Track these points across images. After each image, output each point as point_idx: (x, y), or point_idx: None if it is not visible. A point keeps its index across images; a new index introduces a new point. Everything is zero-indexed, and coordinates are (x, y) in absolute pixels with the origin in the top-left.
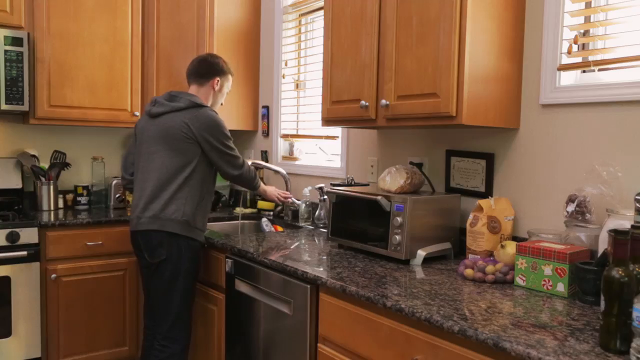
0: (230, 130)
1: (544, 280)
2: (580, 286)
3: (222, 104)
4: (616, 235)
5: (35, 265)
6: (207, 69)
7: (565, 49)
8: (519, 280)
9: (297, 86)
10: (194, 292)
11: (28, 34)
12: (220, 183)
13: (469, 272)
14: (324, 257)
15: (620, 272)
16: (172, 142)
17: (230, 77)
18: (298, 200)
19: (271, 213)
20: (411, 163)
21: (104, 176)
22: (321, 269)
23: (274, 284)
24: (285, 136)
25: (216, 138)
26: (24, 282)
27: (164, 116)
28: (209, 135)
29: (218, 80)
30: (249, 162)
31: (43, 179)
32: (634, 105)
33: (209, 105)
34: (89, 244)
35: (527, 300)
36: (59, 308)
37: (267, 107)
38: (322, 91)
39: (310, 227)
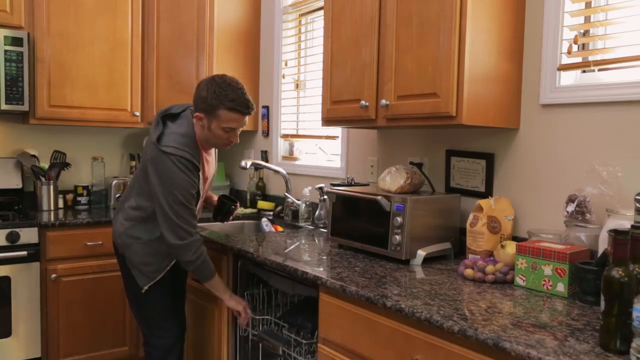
0: None
1: (544, 280)
2: (580, 286)
3: (225, 145)
4: (616, 235)
5: (35, 265)
6: (194, 97)
7: (565, 49)
8: (519, 280)
9: (297, 86)
10: (163, 298)
11: (28, 34)
12: (220, 183)
13: (469, 272)
14: (324, 257)
15: (620, 272)
16: (142, 179)
17: (224, 114)
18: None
19: (271, 213)
20: (411, 163)
21: (104, 176)
22: (321, 269)
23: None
24: (285, 136)
25: (164, 196)
26: (24, 282)
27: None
28: (159, 192)
29: (201, 117)
30: (248, 163)
31: (43, 179)
32: (634, 105)
33: (197, 141)
34: (89, 244)
35: (527, 300)
36: (59, 308)
37: (267, 107)
38: (322, 91)
39: (310, 227)
